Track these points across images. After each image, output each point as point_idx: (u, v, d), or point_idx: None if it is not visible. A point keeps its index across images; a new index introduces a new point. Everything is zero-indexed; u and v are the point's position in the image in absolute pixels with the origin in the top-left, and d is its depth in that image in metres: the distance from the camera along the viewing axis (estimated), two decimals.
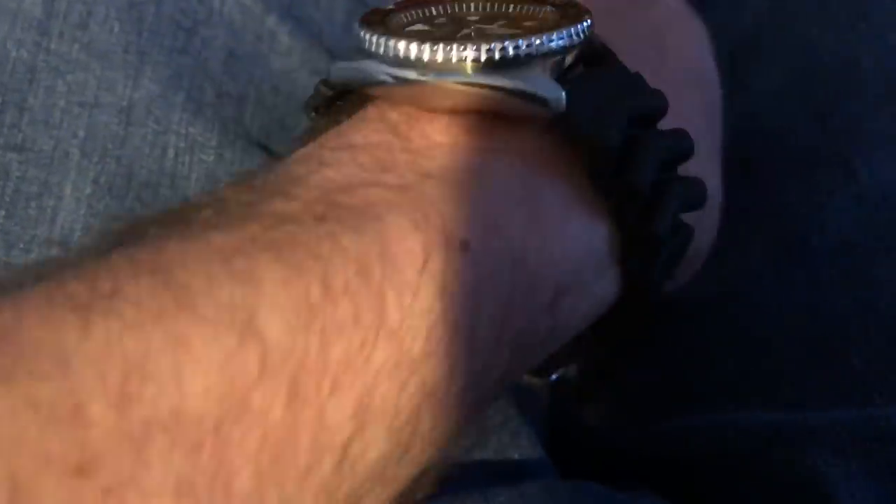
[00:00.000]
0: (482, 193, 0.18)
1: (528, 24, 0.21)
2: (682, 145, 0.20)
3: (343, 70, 0.20)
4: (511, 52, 0.18)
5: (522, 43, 0.19)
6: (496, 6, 0.21)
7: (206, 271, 0.15)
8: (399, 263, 0.17)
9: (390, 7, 0.21)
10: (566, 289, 0.19)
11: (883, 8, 0.33)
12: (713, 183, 0.25)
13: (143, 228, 0.17)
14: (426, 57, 0.19)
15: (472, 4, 0.21)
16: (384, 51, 0.19)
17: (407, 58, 0.19)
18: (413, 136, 0.19)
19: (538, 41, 0.19)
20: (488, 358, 0.18)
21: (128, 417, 0.14)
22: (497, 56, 0.18)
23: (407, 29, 0.21)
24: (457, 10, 0.21)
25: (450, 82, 0.18)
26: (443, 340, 0.17)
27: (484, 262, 0.18)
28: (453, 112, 0.19)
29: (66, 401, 0.13)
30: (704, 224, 0.24)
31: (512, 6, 0.21)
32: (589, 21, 0.20)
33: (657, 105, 0.20)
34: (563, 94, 0.18)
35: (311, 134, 0.21)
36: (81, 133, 0.25)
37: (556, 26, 0.20)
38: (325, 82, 0.21)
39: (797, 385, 0.26)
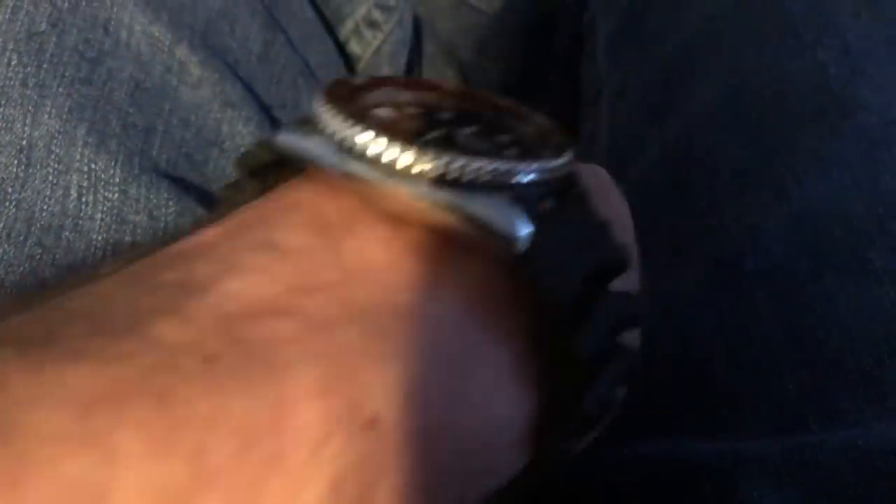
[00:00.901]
0: (412, 347, 0.15)
1: (503, 137, 0.18)
2: (630, 310, 0.18)
3: (290, 143, 0.18)
4: (480, 174, 0.16)
5: (493, 166, 0.16)
6: (473, 106, 0.19)
7: (56, 429, 0.12)
8: (292, 441, 0.14)
9: (358, 82, 0.19)
10: (482, 467, 0.17)
11: (812, 25, 0.32)
12: None
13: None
14: (385, 158, 0.16)
15: (449, 99, 0.19)
16: (339, 136, 0.17)
17: (362, 152, 0.16)
18: (347, 247, 0.16)
19: (510, 168, 0.16)
20: None
21: None
22: (463, 176, 0.16)
23: (372, 112, 0.18)
24: (432, 100, 0.19)
25: (404, 191, 0.16)
26: None
27: (393, 440, 0.15)
28: (398, 219, 0.17)
29: None
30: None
31: (491, 111, 0.19)
32: (570, 156, 0.18)
33: (620, 260, 0.18)
34: (529, 232, 0.16)
35: (232, 201, 0.18)
36: None
37: (534, 150, 0.17)
38: (265, 145, 0.18)
39: (732, 412, 0.26)
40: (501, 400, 0.16)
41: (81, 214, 0.25)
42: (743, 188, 0.30)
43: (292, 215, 0.17)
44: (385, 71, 0.41)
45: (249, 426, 0.13)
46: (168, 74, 0.27)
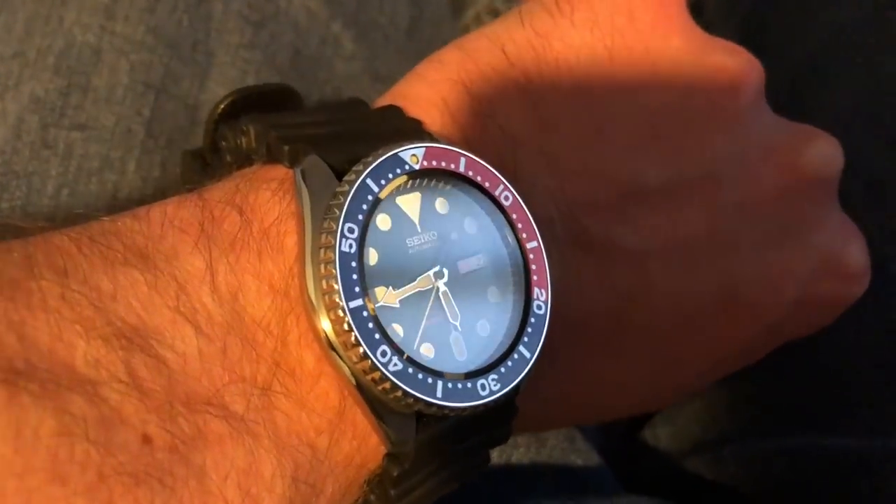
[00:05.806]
0: None
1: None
2: None
3: (306, 180, 0.17)
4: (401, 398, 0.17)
5: (428, 401, 0.17)
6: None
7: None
8: None
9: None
10: None
11: None
12: None
13: None
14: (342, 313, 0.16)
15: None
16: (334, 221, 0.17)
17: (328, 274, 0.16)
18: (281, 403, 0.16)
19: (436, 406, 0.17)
20: None
21: None
22: (387, 392, 0.16)
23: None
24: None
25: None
26: None
27: None
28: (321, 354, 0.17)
29: None
30: None
31: None
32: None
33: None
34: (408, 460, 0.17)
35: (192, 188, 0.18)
36: (146, 112, 0.25)
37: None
38: (283, 144, 0.18)
39: (876, 411, 0.25)
40: None
41: None
42: (882, 194, 0.29)
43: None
44: None
45: None
46: (323, 46, 0.27)
